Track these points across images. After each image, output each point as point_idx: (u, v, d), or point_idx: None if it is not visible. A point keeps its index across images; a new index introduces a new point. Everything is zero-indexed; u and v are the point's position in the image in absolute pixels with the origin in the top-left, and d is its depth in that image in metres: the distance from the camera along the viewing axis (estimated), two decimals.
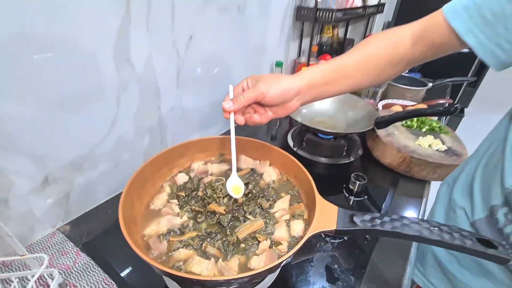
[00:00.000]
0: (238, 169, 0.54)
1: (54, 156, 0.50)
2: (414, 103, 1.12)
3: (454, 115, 1.98)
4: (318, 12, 0.98)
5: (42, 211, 0.52)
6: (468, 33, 0.36)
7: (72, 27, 0.45)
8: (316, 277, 0.47)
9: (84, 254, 0.50)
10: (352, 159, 0.80)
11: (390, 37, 0.43)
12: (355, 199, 0.66)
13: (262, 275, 0.36)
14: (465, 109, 1.88)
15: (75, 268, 0.47)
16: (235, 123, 0.43)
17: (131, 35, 0.54)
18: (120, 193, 0.65)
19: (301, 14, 1.02)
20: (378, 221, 0.36)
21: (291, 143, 0.84)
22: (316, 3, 0.97)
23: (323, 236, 0.55)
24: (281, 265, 0.34)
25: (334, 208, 0.40)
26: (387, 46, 0.43)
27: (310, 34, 1.13)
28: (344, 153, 0.81)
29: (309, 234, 0.36)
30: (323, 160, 0.79)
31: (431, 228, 0.34)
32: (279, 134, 0.93)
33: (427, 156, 0.71)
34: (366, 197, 0.67)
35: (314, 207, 0.40)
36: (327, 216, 0.39)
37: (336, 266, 0.49)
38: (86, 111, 0.52)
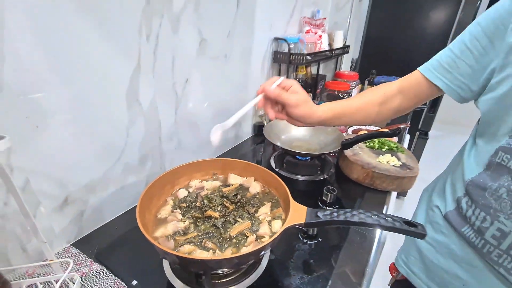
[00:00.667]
0: (228, 185, 0.66)
1: (74, 180, 0.61)
2: (379, 128, 1.30)
3: (422, 137, 2.20)
4: (291, 56, 1.18)
5: (60, 228, 0.60)
6: (437, 79, 0.52)
7: (97, 76, 0.58)
8: (296, 270, 0.57)
9: (97, 263, 0.58)
10: (325, 176, 0.93)
11: (380, 89, 0.60)
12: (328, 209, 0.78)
13: (248, 257, 0.46)
14: (429, 132, 2.11)
15: (90, 275, 0.55)
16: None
17: (140, 80, 0.68)
18: (125, 212, 0.75)
19: (277, 58, 1.22)
20: (335, 214, 0.49)
21: (273, 164, 0.97)
22: (289, 49, 1.17)
23: (301, 238, 0.66)
24: (263, 250, 0.45)
25: (304, 208, 0.52)
26: (379, 95, 0.59)
27: (286, 72, 1.33)
28: (319, 172, 0.94)
29: (284, 226, 0.47)
30: (301, 178, 0.92)
31: (372, 216, 0.47)
32: (264, 158, 1.07)
33: (385, 170, 0.85)
34: (337, 207, 0.79)
35: (289, 208, 0.52)
36: (299, 214, 0.50)
37: (312, 261, 0.60)
38: (102, 141, 0.63)
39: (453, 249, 0.53)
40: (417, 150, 2.15)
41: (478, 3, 1.80)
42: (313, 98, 1.55)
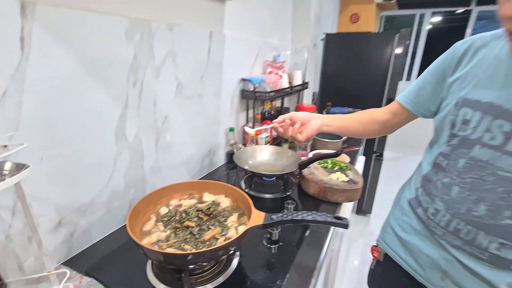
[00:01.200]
0: (203, 202, 0.79)
1: (67, 204, 0.70)
2: (334, 151, 1.52)
3: (378, 159, 2.48)
4: (256, 93, 1.39)
5: (53, 248, 0.68)
6: (407, 104, 0.74)
7: (93, 116, 0.72)
8: (260, 268, 0.70)
9: (86, 277, 0.66)
10: (288, 193, 1.09)
11: (368, 111, 0.84)
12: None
13: (217, 252, 0.58)
14: (384, 154, 2.40)
15: (81, 286, 0.63)
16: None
17: (127, 118, 0.82)
18: (110, 234, 0.84)
19: (244, 95, 1.43)
20: (285, 216, 0.64)
21: (243, 186, 1.12)
22: (254, 88, 1.39)
23: (266, 244, 0.79)
24: (230, 246, 0.58)
25: (263, 213, 0.66)
26: (366, 113, 0.83)
27: (253, 107, 1.54)
28: (282, 190, 1.10)
29: (247, 227, 0.61)
30: (267, 196, 1.07)
31: (311, 214, 0.63)
32: (236, 182, 1.21)
33: (335, 185, 1.04)
34: None
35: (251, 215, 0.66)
36: (258, 218, 0.65)
37: (274, 260, 0.73)
38: (93, 170, 0.75)
39: (413, 226, 0.71)
40: (375, 169, 2.41)
41: (407, 42, 2.26)
42: None
